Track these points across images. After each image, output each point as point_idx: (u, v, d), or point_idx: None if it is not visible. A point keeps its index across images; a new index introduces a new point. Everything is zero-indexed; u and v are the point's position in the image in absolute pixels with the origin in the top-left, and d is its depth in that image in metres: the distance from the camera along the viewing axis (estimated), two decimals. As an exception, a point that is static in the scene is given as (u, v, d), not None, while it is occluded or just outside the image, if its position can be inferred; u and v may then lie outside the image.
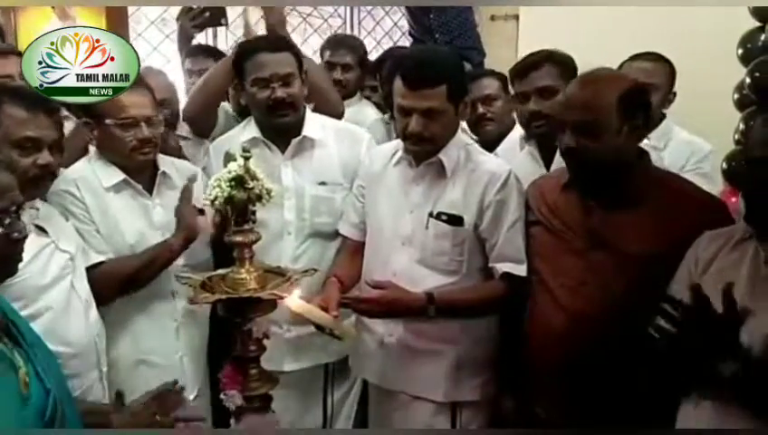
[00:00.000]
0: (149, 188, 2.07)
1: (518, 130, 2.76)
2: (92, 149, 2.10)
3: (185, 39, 2.94)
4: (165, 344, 2.09)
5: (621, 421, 1.71)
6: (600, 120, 1.73)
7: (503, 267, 1.93)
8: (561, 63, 2.21)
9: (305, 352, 2.28)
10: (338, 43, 3.17)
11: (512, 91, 2.41)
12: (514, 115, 2.70)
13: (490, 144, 2.79)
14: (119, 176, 2.02)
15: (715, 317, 1.34)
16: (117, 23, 3.71)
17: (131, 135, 1.97)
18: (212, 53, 3.09)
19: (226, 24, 3.09)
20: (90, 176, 2.03)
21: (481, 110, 2.79)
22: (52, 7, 3.38)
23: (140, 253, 2.01)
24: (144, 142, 1.99)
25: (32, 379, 1.29)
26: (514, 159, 2.40)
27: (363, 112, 2.98)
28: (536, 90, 2.19)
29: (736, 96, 3.17)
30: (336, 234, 2.25)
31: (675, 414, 1.56)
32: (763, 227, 1.46)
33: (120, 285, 1.98)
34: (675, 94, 2.68)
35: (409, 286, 1.93)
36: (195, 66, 2.91)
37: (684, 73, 2.70)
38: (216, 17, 2.94)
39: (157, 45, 4.21)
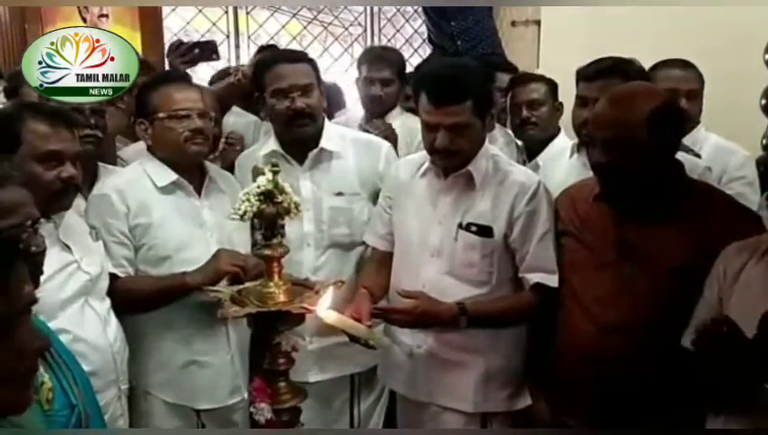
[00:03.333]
0: (198, 191, 2.11)
1: (563, 138, 2.74)
2: (145, 151, 2.14)
3: None
4: (216, 345, 2.10)
5: (650, 432, 1.70)
6: (630, 137, 1.69)
7: (534, 278, 1.92)
8: (633, 77, 2.09)
9: (330, 363, 2.28)
10: (375, 57, 3.09)
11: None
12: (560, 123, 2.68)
13: (534, 149, 2.80)
14: (172, 176, 2.06)
15: (747, 344, 1.33)
16: (152, 39, 3.75)
17: (184, 126, 2.02)
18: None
19: (218, 58, 2.96)
20: (140, 178, 2.06)
21: (525, 113, 2.77)
22: (84, 20, 3.42)
23: (157, 278, 2.02)
24: (196, 133, 2.03)
25: (56, 393, 1.28)
26: (560, 166, 2.38)
27: (407, 125, 2.88)
28: (598, 99, 2.06)
29: (764, 101, 3.13)
30: (354, 245, 2.25)
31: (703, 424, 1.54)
32: None
33: (129, 303, 1.99)
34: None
35: (439, 298, 1.92)
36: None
37: (710, 79, 2.66)
38: (208, 51, 2.82)
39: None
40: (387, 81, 2.96)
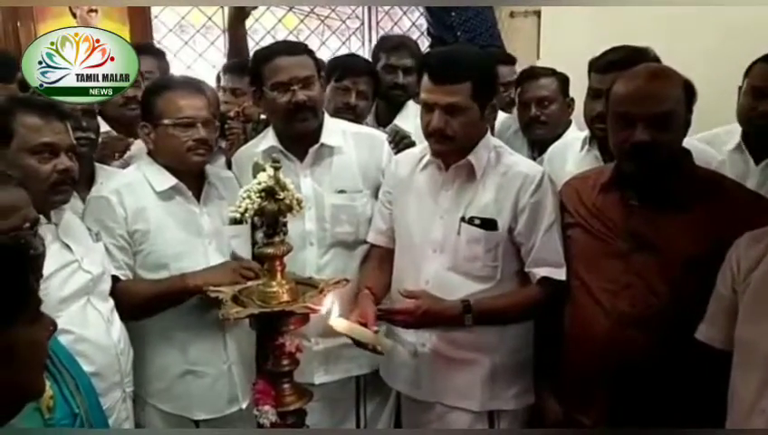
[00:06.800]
0: (197, 197, 2.08)
1: (573, 131, 2.66)
2: (144, 154, 2.11)
3: None
4: (213, 354, 2.07)
5: (667, 426, 1.67)
6: (675, 110, 1.68)
7: (541, 272, 1.88)
8: None
9: (335, 365, 2.24)
10: (398, 44, 2.98)
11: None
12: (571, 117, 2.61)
13: (544, 147, 2.68)
14: (171, 181, 2.02)
15: None
16: (141, 33, 3.73)
17: (188, 135, 1.98)
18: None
19: None
20: (139, 182, 2.03)
21: (534, 112, 2.68)
22: (73, 16, 3.40)
23: (157, 280, 1.99)
24: (200, 143, 2.00)
25: (58, 402, 1.27)
26: (570, 159, 2.33)
27: None
28: None
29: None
30: (358, 243, 2.20)
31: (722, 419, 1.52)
32: None
33: (128, 306, 1.95)
34: None
35: (443, 295, 1.89)
36: (231, 84, 2.85)
37: (702, 69, 2.60)
38: None
39: (176, 52, 4.21)
40: (409, 69, 2.84)
